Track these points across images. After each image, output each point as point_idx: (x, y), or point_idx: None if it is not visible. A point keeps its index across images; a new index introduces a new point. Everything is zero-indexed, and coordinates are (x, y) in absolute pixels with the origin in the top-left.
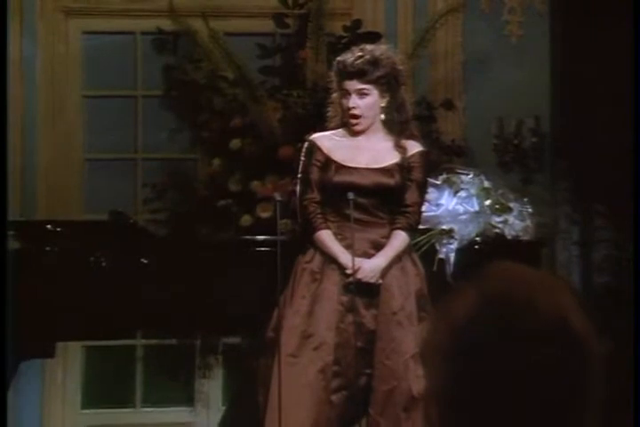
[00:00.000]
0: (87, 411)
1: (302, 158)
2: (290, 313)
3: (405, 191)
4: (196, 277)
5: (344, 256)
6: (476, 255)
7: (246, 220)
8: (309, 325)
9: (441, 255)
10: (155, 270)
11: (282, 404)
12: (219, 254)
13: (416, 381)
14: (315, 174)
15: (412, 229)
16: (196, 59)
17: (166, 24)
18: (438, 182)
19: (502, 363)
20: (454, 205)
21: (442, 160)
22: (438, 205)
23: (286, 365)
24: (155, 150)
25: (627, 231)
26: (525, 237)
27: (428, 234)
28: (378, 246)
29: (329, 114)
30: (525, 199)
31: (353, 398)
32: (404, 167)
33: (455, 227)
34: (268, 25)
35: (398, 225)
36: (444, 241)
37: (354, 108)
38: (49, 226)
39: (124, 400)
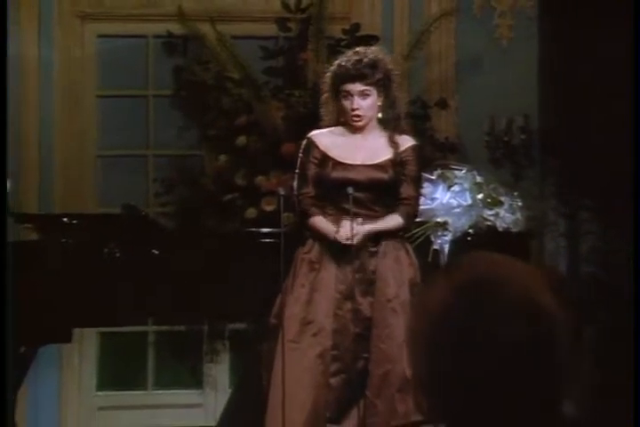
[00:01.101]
0: (101, 393)
1: (300, 155)
2: (290, 301)
3: (400, 185)
4: (203, 267)
5: (334, 229)
6: (468, 246)
7: (251, 213)
8: (309, 312)
9: (435, 246)
10: (165, 261)
11: (283, 387)
12: (225, 245)
13: (409, 363)
14: (311, 171)
15: (408, 217)
16: (204, 60)
17: (176, 28)
18: (433, 177)
19: (478, 345)
20: (448, 199)
21: (436, 156)
22: (433, 199)
23: (288, 350)
24: (165, 147)
25: (611, 224)
26: (515, 230)
27: (424, 226)
28: (373, 238)
29: (322, 112)
30: (515, 193)
31: (351, 381)
32: (397, 162)
33: (449, 219)
34: (271, 29)
35: (395, 212)
36: (439, 233)
37: (358, 109)
38: (65, 219)
39: (136, 383)
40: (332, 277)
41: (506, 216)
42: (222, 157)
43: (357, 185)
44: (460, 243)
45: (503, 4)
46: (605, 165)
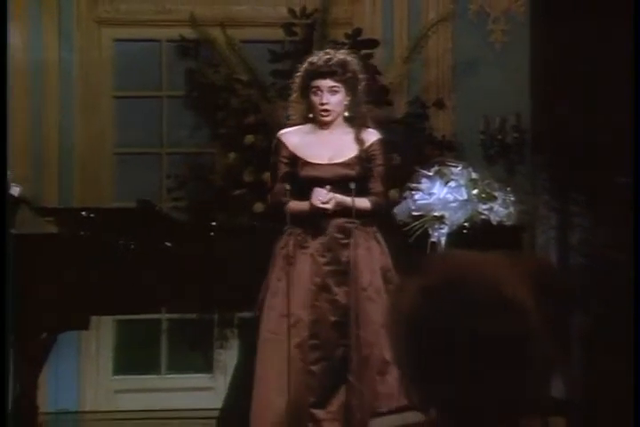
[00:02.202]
0: (118, 377)
1: (272, 154)
2: (269, 295)
3: (369, 181)
4: (213, 258)
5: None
6: (464, 239)
7: (258, 207)
8: (286, 305)
9: (433, 239)
10: (177, 253)
11: (265, 374)
12: (234, 238)
13: (387, 347)
14: (281, 170)
15: (376, 205)
16: (214, 63)
17: (188, 33)
18: (430, 174)
19: (454, 341)
20: (445, 194)
21: (434, 154)
22: (431, 194)
23: (267, 340)
24: (177, 145)
25: (599, 217)
26: (509, 223)
27: (422, 220)
28: (344, 231)
29: (290, 113)
30: (509, 189)
31: (332, 367)
32: (363, 159)
33: (446, 213)
34: (278, 33)
35: (365, 198)
36: (436, 226)
37: (326, 103)
38: (83, 213)
39: (150, 368)
40: (306, 269)
41: (499, 210)
42: (232, 155)
43: (326, 183)
44: (456, 236)
45: (497, 11)
46: (593, 162)
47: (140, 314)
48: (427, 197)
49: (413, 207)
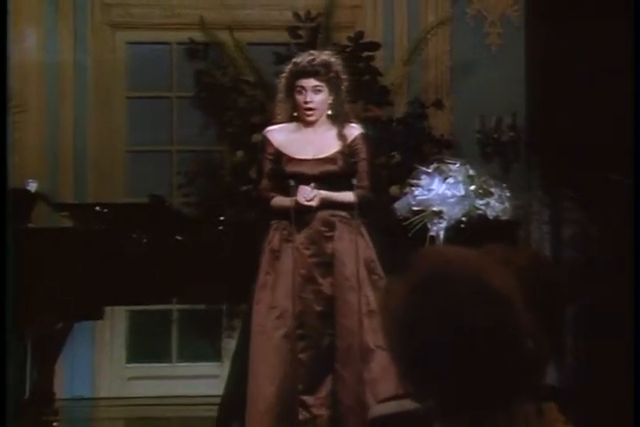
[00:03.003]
0: (131, 365)
1: (258, 151)
2: (258, 288)
3: (354, 176)
4: (221, 251)
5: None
6: (462, 233)
7: None
8: (273, 297)
9: (432, 233)
10: (187, 246)
11: (256, 365)
12: (241, 231)
13: (371, 334)
14: (266, 166)
15: (361, 198)
16: (222, 65)
17: (197, 36)
18: (430, 171)
19: (444, 333)
20: (443, 190)
21: (433, 152)
22: (430, 190)
23: (257, 333)
24: (187, 143)
25: (590, 213)
26: (504, 218)
27: (421, 215)
28: (328, 224)
29: (276, 112)
30: (504, 185)
31: (320, 356)
32: (346, 153)
33: (444, 208)
34: (283, 36)
35: (351, 191)
36: (435, 221)
37: (310, 102)
38: (97, 208)
39: (162, 356)
40: (292, 262)
41: (496, 205)
42: (239, 153)
43: (310, 178)
44: (454, 230)
45: (493, 15)
46: (585, 160)
47: (152, 305)
48: (426, 192)
49: (413, 203)
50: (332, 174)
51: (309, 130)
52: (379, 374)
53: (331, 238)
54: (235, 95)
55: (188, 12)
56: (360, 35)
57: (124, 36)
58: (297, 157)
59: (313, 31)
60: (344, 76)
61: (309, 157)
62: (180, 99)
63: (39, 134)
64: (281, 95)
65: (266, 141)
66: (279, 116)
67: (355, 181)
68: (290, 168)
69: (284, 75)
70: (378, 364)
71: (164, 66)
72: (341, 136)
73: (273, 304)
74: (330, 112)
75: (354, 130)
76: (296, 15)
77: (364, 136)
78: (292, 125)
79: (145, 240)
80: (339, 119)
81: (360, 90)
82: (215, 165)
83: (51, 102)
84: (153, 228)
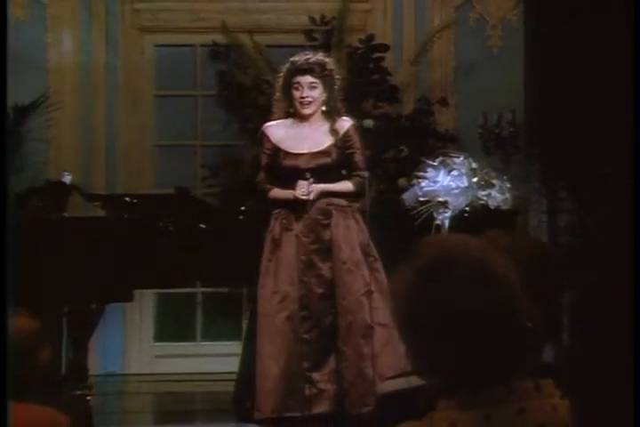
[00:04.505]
0: (158, 344)
1: (256, 146)
2: (262, 274)
3: (350, 165)
4: (243, 239)
5: (292, 192)
6: (465, 221)
7: None
8: (275, 283)
9: (437, 222)
10: (210, 233)
11: (262, 344)
12: (262, 220)
13: (369, 313)
14: (263, 160)
15: (358, 185)
16: (243, 66)
17: (220, 38)
18: (435, 164)
19: (448, 314)
20: (448, 182)
21: (438, 146)
22: (435, 182)
23: (262, 315)
24: (210, 138)
25: (584, 202)
26: (505, 207)
27: (428, 205)
28: (325, 212)
29: (273, 109)
30: (505, 177)
31: (323, 335)
32: (339, 146)
33: (449, 199)
34: (299, 39)
35: (348, 180)
36: (440, 210)
37: (307, 97)
38: (127, 198)
39: (187, 336)
40: (293, 249)
41: (497, 196)
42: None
43: (306, 171)
44: (458, 219)
45: (494, 18)
46: (579, 154)
47: (178, 288)
48: (432, 184)
49: (420, 193)
50: (326, 166)
51: (305, 125)
52: (378, 349)
53: (328, 226)
54: (255, 94)
55: (212, 17)
56: (371, 37)
57: (152, 39)
58: (293, 151)
59: (327, 34)
60: (337, 76)
61: (305, 151)
62: (203, 97)
63: (74, 131)
64: (278, 93)
65: (264, 137)
66: (276, 114)
67: (344, 172)
68: (287, 162)
69: (281, 74)
70: (377, 340)
71: (189, 66)
72: (334, 130)
73: (275, 289)
74: (324, 108)
75: (345, 122)
76: (311, 19)
77: (354, 127)
78: (289, 121)
79: (171, 228)
80: (331, 115)
81: (371, 88)
82: (236, 159)
83: (84, 101)
84: (178, 217)
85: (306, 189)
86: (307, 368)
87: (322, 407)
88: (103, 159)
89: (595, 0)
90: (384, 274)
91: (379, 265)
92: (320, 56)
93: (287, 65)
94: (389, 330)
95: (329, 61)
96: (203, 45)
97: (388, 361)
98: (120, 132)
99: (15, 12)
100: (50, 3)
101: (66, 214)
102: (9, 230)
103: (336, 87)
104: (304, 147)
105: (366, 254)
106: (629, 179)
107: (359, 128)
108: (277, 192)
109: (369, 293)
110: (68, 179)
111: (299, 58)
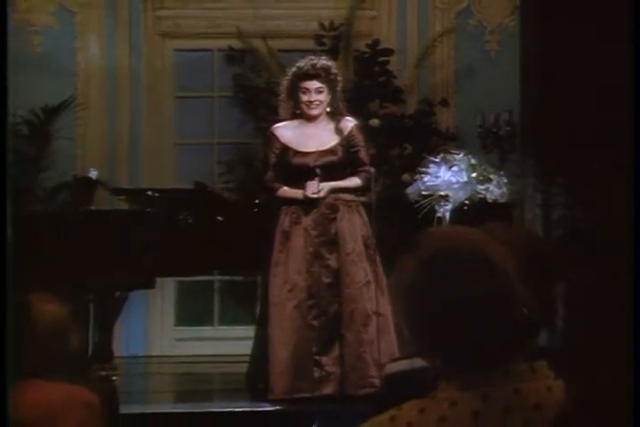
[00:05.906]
0: (179, 328)
1: (264, 145)
2: (273, 265)
3: (356, 162)
4: (257, 231)
5: (301, 191)
6: (465, 214)
7: None
8: (285, 273)
9: (439, 214)
10: (227, 226)
11: (272, 330)
12: (275, 214)
13: (369, 302)
14: (272, 159)
15: (365, 180)
16: (257, 69)
17: (235, 43)
18: (437, 160)
19: (449, 302)
20: (449, 177)
21: (439, 144)
22: (437, 177)
23: (273, 303)
24: (227, 137)
25: (577, 197)
26: (502, 201)
27: (429, 198)
28: (332, 207)
29: (279, 110)
30: (502, 173)
31: (329, 321)
32: (344, 145)
33: (450, 193)
34: (309, 43)
35: (355, 176)
36: (441, 204)
37: (315, 101)
38: (149, 192)
39: (205, 320)
40: (301, 242)
41: (494, 190)
42: None
43: (314, 168)
44: (458, 211)
45: (492, 24)
46: (573, 151)
47: (197, 276)
48: (434, 179)
49: (423, 188)
50: (332, 164)
51: (311, 125)
52: (375, 335)
53: (334, 220)
54: (267, 95)
55: (228, 23)
56: (376, 42)
57: (172, 44)
58: (302, 150)
59: (335, 39)
60: (340, 78)
61: (313, 149)
62: (220, 98)
63: (99, 129)
64: (283, 95)
65: (273, 137)
66: (282, 114)
67: (356, 166)
68: (296, 160)
69: (287, 77)
70: (375, 327)
71: (207, 70)
72: (339, 130)
73: (285, 279)
74: (328, 109)
75: (349, 122)
76: (321, 25)
77: (357, 127)
78: (296, 122)
79: (190, 221)
80: (335, 115)
81: (376, 90)
82: (251, 156)
83: (110, 102)
84: (197, 210)
85: (316, 188)
86: (315, 352)
87: (330, 389)
88: (127, 156)
89: (591, 4)
90: (381, 267)
91: (377, 258)
92: (324, 60)
93: (293, 69)
94: (385, 319)
95: (332, 65)
96: (219, 50)
97: (383, 347)
98: (143, 131)
99: (46, 19)
100: (78, 11)
101: (92, 207)
102: (7, 224)
103: (339, 89)
104: (312, 146)
105: (367, 247)
106: (610, 169)
107: (366, 127)
108: (286, 191)
109: (368, 283)
110: (94, 174)
111: (305, 63)
